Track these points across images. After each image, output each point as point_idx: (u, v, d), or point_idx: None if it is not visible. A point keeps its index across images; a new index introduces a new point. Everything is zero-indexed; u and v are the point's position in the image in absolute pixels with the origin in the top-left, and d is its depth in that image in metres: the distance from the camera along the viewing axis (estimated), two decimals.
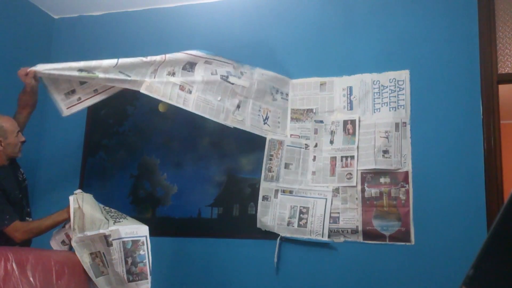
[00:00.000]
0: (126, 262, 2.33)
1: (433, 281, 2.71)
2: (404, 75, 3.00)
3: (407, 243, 2.80)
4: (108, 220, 2.38)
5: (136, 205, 3.34)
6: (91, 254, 2.37)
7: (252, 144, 3.19)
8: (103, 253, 2.37)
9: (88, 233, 2.34)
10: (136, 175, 3.39)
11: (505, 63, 2.89)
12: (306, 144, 3.06)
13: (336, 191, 2.96)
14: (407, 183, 2.86)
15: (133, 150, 3.44)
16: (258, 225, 3.02)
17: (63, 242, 2.56)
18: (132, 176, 3.40)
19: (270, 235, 3.02)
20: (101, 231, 2.32)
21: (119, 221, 2.40)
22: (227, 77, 2.96)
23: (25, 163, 3.53)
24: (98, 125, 3.56)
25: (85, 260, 2.36)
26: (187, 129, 3.35)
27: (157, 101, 3.45)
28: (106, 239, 2.33)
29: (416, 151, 2.88)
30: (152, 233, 3.27)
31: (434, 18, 3.01)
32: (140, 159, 3.40)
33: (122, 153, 3.45)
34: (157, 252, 3.19)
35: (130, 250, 2.34)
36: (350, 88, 3.05)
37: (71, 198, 2.47)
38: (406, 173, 2.87)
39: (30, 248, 2.34)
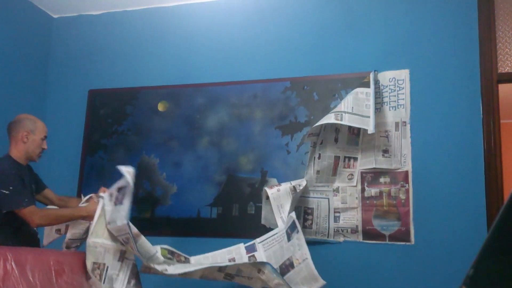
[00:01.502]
0: (129, 282, 2.29)
1: (433, 281, 2.71)
2: (404, 74, 2.99)
3: (407, 243, 2.80)
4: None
5: (136, 204, 3.33)
6: (94, 263, 2.30)
7: (252, 143, 3.19)
8: (107, 267, 2.30)
9: (108, 242, 2.28)
10: (135, 174, 3.39)
11: (505, 63, 2.89)
12: (314, 143, 2.97)
13: (336, 190, 2.96)
14: (407, 182, 2.85)
15: (132, 149, 3.43)
16: (263, 222, 2.91)
17: (58, 230, 2.50)
18: None
19: None
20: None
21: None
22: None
23: None
24: (97, 124, 3.56)
25: (88, 265, 2.30)
26: (187, 129, 3.35)
27: (156, 101, 3.46)
28: (121, 254, 2.27)
29: (416, 150, 2.88)
30: (151, 233, 3.27)
31: (434, 18, 3.01)
32: (140, 159, 3.40)
33: (121, 152, 3.45)
34: None
35: (135, 272, 2.32)
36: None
37: (100, 200, 2.42)
38: (406, 172, 2.87)
39: (30, 248, 2.34)
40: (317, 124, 2.83)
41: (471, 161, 2.78)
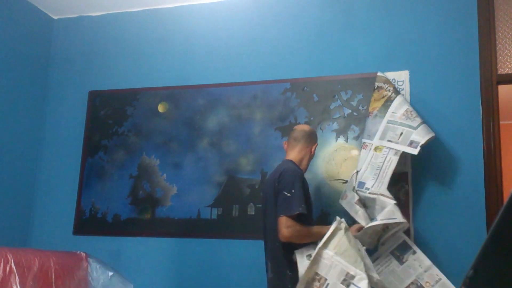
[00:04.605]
0: None
1: None
2: (403, 75, 2.99)
3: None
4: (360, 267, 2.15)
5: (136, 205, 3.33)
6: (316, 274, 2.15)
7: (252, 144, 3.19)
8: (328, 283, 2.14)
9: (343, 261, 2.13)
10: (135, 175, 3.39)
11: (505, 64, 2.89)
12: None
13: None
14: (407, 183, 2.85)
15: (132, 150, 3.44)
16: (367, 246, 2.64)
17: (308, 256, 2.25)
18: (132, 176, 3.40)
19: None
20: (352, 271, 2.11)
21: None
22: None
23: (24, 162, 3.54)
24: (98, 125, 3.56)
25: (308, 273, 2.14)
26: (187, 130, 3.35)
27: (156, 102, 3.46)
28: (346, 278, 2.11)
29: None
30: (151, 234, 3.27)
31: (434, 18, 3.01)
32: (140, 160, 3.40)
33: (122, 153, 3.45)
34: (156, 253, 3.20)
35: None
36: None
37: (338, 218, 2.30)
38: (406, 173, 2.86)
39: (30, 249, 2.34)
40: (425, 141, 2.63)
41: (471, 161, 2.78)
